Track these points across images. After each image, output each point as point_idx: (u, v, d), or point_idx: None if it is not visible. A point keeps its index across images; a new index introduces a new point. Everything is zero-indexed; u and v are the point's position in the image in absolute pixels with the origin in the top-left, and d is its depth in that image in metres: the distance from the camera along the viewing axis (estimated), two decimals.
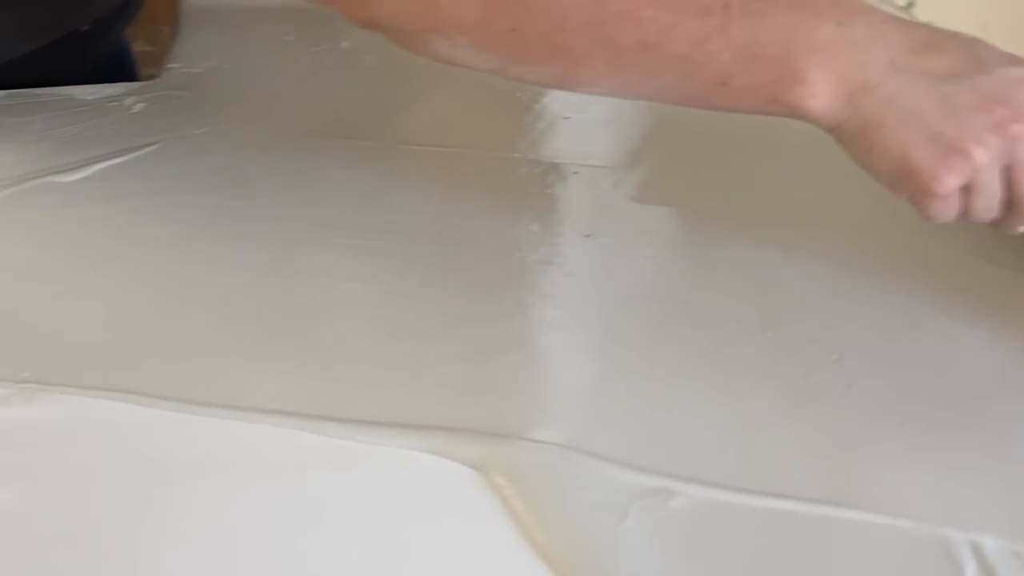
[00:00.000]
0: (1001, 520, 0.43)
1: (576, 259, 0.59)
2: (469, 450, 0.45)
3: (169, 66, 0.80)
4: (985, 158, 0.44)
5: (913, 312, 0.55)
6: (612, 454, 0.45)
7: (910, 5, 0.92)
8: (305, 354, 0.50)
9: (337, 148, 0.69)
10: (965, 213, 0.46)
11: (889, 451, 0.46)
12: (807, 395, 0.49)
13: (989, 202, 0.46)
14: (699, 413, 0.48)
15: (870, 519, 0.43)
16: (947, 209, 0.46)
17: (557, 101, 0.77)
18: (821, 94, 0.45)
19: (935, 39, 0.46)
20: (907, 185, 0.45)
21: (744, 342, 0.52)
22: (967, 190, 0.45)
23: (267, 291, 0.55)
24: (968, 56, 0.46)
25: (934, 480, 0.45)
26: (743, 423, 0.47)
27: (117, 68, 0.83)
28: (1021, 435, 0.48)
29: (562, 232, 0.61)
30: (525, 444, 0.46)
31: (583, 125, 0.74)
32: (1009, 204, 0.46)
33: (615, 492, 0.43)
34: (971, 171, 0.44)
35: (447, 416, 0.47)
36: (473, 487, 0.44)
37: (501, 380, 0.49)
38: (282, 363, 0.50)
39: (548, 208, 0.64)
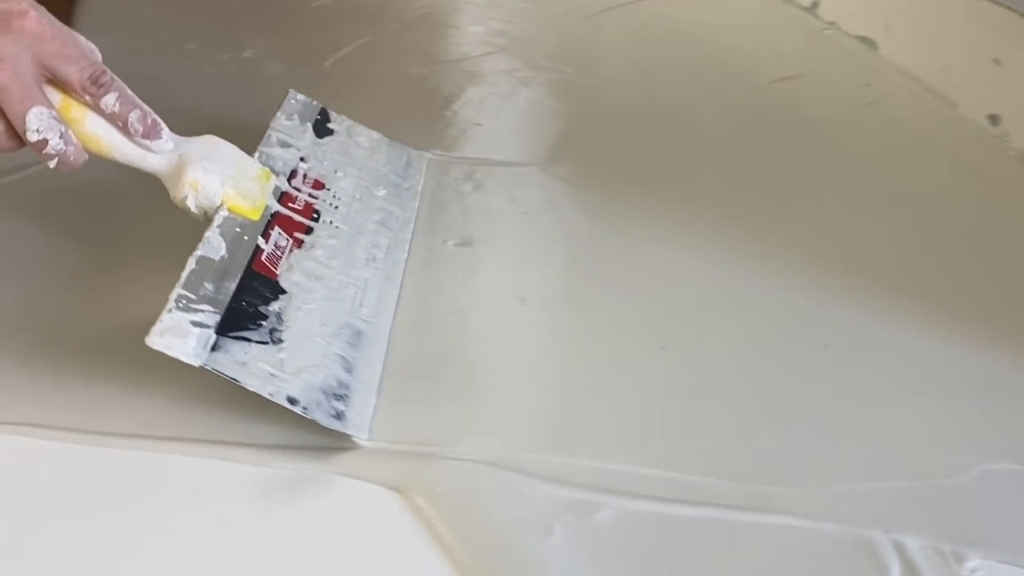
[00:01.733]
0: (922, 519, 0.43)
1: (491, 264, 0.58)
2: (388, 471, 0.44)
3: None
4: None
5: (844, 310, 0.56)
6: (535, 469, 0.44)
7: (814, 6, 0.94)
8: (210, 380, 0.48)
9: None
10: None
11: (810, 454, 0.47)
12: (724, 402, 0.49)
13: None
14: (621, 423, 0.47)
15: (794, 523, 0.43)
16: None
17: (468, 108, 0.76)
18: None
19: None
20: None
21: (656, 347, 0.52)
22: None
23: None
24: None
25: (856, 482, 0.45)
26: (664, 431, 0.47)
27: None
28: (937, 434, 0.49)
29: (473, 236, 0.60)
30: (445, 462, 0.44)
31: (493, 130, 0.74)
32: None
33: (540, 508, 0.42)
34: None
35: (362, 436, 0.45)
36: (393, 509, 0.42)
37: (419, 397, 0.48)
38: (191, 390, 0.47)
39: (462, 209, 0.63)
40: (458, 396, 0.48)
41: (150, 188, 0.51)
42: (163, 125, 0.50)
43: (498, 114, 0.76)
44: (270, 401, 0.43)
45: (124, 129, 0.49)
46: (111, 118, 0.48)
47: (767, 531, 0.42)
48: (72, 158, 0.47)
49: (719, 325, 0.54)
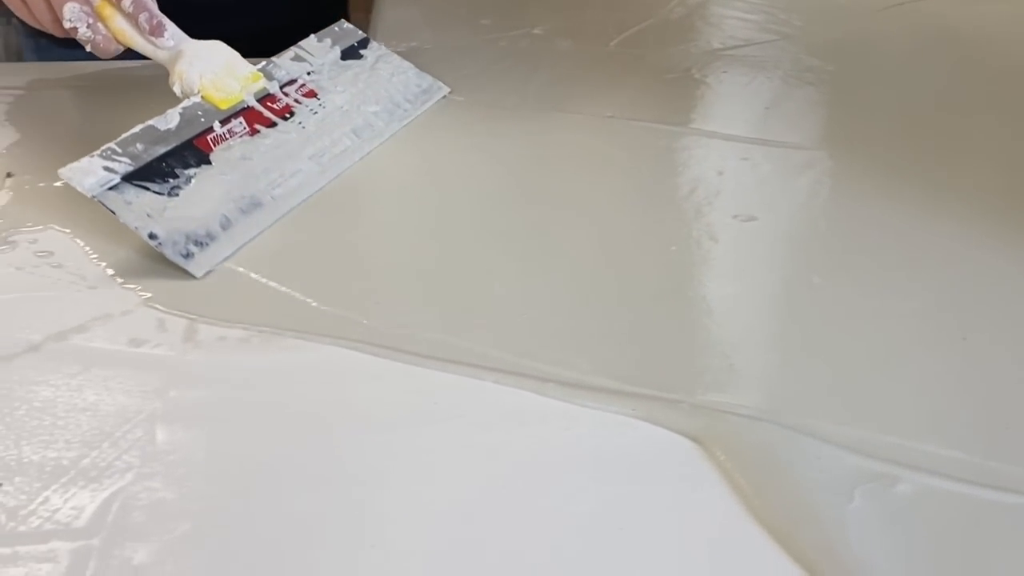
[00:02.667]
0: None
1: (768, 238, 0.59)
2: (685, 421, 0.46)
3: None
4: None
5: None
6: (834, 438, 0.45)
7: None
8: (526, 315, 0.52)
9: (539, 120, 0.71)
10: None
11: None
12: None
13: None
14: (920, 404, 0.47)
15: None
16: None
17: (750, 92, 0.77)
18: None
19: None
20: None
21: (957, 336, 0.51)
22: None
23: (485, 256, 0.57)
24: None
25: None
26: (966, 417, 0.47)
27: None
28: None
29: (758, 212, 0.61)
30: (741, 420, 0.46)
31: (777, 114, 0.74)
32: None
33: (840, 473, 0.43)
34: None
35: (661, 385, 0.47)
36: (693, 458, 0.44)
37: (713, 353, 0.50)
38: (504, 324, 0.51)
39: (746, 186, 0.64)
40: (748, 356, 0.50)
41: None
42: (168, 27, 0.61)
43: (783, 99, 0.76)
44: (577, 339, 0.46)
45: (136, 27, 0.60)
46: (128, 17, 0.60)
47: None
48: (102, 45, 0.60)
49: (1021, 318, 0.53)
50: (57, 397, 0.46)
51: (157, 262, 0.54)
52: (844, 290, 0.55)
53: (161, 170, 0.55)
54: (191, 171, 0.56)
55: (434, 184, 0.65)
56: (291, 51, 0.67)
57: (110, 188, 0.52)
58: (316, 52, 0.68)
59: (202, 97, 0.60)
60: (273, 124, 0.61)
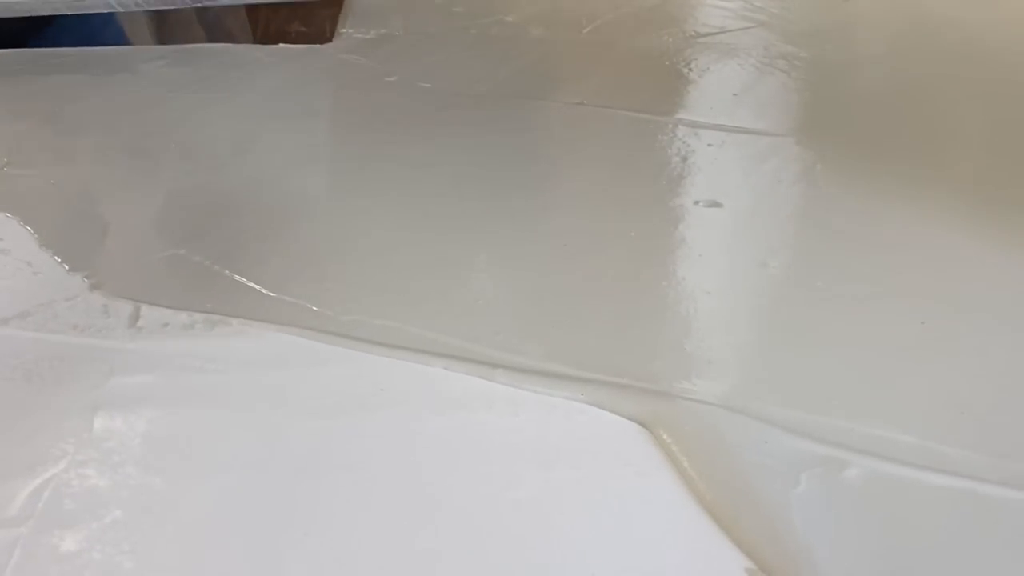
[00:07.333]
0: None
1: (739, 226, 0.58)
2: (634, 406, 0.45)
3: (342, 31, 0.82)
4: None
5: None
6: (781, 421, 0.44)
7: None
8: (478, 301, 0.51)
9: (507, 108, 0.70)
10: None
11: None
12: (985, 379, 0.47)
13: None
14: (872, 389, 0.46)
15: None
16: None
17: (722, 78, 0.76)
18: None
19: None
20: None
21: (915, 321, 0.50)
22: None
23: (444, 242, 0.56)
24: None
25: None
26: (919, 401, 0.46)
27: None
28: None
29: (722, 199, 0.60)
30: (690, 403, 0.45)
31: (748, 101, 0.73)
32: None
33: (786, 457, 0.42)
34: None
35: (611, 370, 0.47)
36: (640, 442, 0.43)
37: (665, 338, 0.49)
38: (454, 310, 0.51)
39: (711, 173, 0.63)
40: (700, 341, 0.49)
41: None
42: None
43: (754, 86, 0.75)
44: (525, 325, 0.45)
45: None
46: None
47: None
48: None
49: (980, 304, 0.52)
50: None
51: (105, 247, 0.53)
52: (800, 275, 0.54)
53: None
54: None
55: (395, 170, 0.64)
56: None
57: None
58: None
59: None
60: None
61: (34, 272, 0.52)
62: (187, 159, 0.63)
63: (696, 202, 0.60)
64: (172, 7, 0.61)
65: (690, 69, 0.78)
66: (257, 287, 0.51)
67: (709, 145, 0.67)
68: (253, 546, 0.38)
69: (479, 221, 0.58)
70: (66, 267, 0.52)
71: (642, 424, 0.44)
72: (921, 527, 0.40)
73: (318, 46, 0.80)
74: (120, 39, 0.88)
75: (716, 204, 0.60)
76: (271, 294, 0.51)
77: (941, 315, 0.51)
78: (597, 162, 0.66)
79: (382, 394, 0.46)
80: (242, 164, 0.63)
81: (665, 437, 0.43)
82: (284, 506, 0.40)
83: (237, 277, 0.52)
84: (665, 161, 0.65)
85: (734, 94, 0.74)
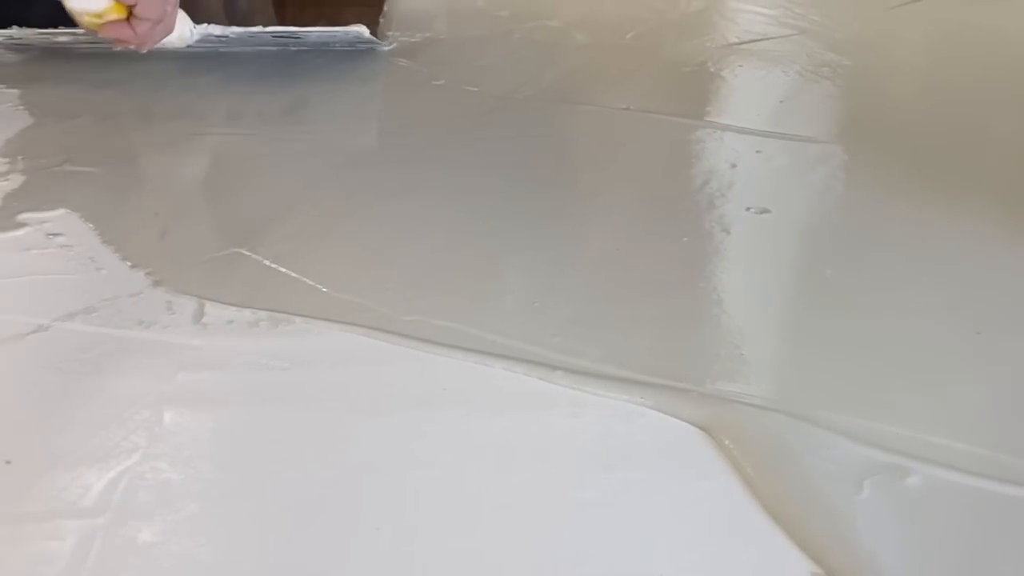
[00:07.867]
0: None
1: (781, 231, 0.58)
2: (694, 410, 0.45)
3: (388, 34, 0.83)
4: None
5: None
6: (845, 428, 0.44)
7: None
8: (536, 304, 0.52)
9: (554, 112, 0.71)
10: None
11: None
12: None
13: None
14: (933, 398, 0.47)
15: None
16: None
17: (765, 85, 0.77)
18: None
19: None
20: None
21: (971, 330, 0.51)
22: None
23: (495, 245, 0.57)
24: None
25: None
26: (979, 411, 0.46)
27: None
28: None
29: (771, 205, 0.61)
30: (751, 410, 0.45)
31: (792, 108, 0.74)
32: None
33: (849, 464, 0.43)
34: None
35: (669, 374, 0.47)
36: (701, 446, 0.44)
37: (722, 343, 0.49)
38: (509, 311, 0.51)
39: (759, 179, 0.63)
40: (759, 346, 0.49)
41: None
42: None
43: (799, 93, 0.76)
44: (586, 328, 0.46)
45: None
46: None
47: None
48: None
49: None
50: (65, 378, 0.46)
51: (166, 244, 0.54)
52: (857, 283, 0.54)
53: None
54: None
55: (446, 172, 0.65)
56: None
57: None
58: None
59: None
60: None
61: (97, 268, 0.53)
62: (245, 159, 0.64)
63: (747, 208, 0.61)
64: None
65: (735, 75, 0.79)
66: (319, 286, 0.52)
67: (757, 151, 0.67)
68: (324, 541, 0.38)
69: (530, 224, 0.59)
70: (128, 263, 0.53)
71: (703, 428, 0.45)
72: (983, 536, 0.40)
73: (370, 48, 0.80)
74: None
75: (766, 211, 0.61)
76: (333, 293, 0.51)
77: (997, 324, 0.51)
78: (645, 166, 0.66)
79: (444, 393, 0.46)
80: (300, 165, 0.64)
81: (727, 442, 0.44)
82: (353, 502, 0.40)
83: (298, 276, 0.53)
84: (714, 167, 0.65)
85: (780, 101, 0.74)
